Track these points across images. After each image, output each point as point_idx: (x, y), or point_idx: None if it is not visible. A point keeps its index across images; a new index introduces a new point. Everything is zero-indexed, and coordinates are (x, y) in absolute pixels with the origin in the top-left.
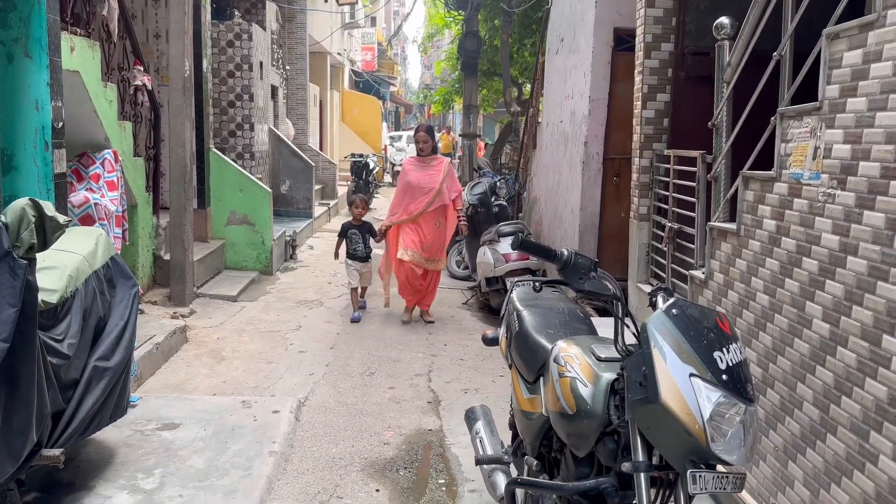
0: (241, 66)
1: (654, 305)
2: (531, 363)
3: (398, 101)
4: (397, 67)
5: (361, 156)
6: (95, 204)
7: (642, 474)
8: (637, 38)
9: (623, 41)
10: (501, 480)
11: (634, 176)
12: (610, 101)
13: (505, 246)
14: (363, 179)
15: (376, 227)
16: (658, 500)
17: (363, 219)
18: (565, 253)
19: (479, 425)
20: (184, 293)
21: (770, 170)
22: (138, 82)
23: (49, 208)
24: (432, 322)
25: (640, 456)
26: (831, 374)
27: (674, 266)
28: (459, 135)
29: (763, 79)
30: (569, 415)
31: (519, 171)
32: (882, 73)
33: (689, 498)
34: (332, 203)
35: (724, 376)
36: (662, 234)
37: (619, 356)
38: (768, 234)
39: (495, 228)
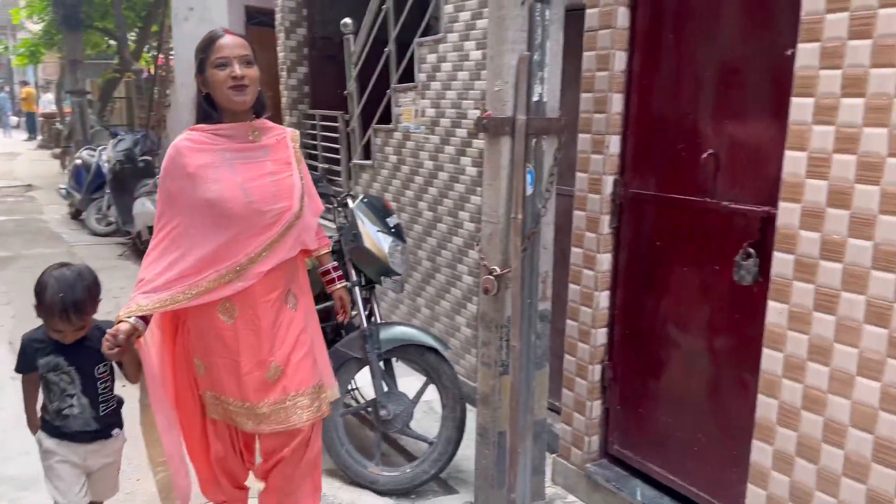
0: None
1: (345, 202)
2: None
3: None
4: None
5: None
6: None
7: (356, 287)
8: (277, 23)
9: (253, 17)
10: None
11: None
12: None
13: None
14: None
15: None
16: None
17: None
18: None
19: None
20: None
21: (390, 124)
22: None
23: None
24: None
25: (354, 277)
26: (454, 249)
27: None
28: (66, 91)
29: (379, 65)
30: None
31: (149, 129)
32: (447, 69)
33: (376, 302)
34: None
35: (392, 230)
36: (315, 172)
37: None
38: (392, 165)
39: (153, 181)
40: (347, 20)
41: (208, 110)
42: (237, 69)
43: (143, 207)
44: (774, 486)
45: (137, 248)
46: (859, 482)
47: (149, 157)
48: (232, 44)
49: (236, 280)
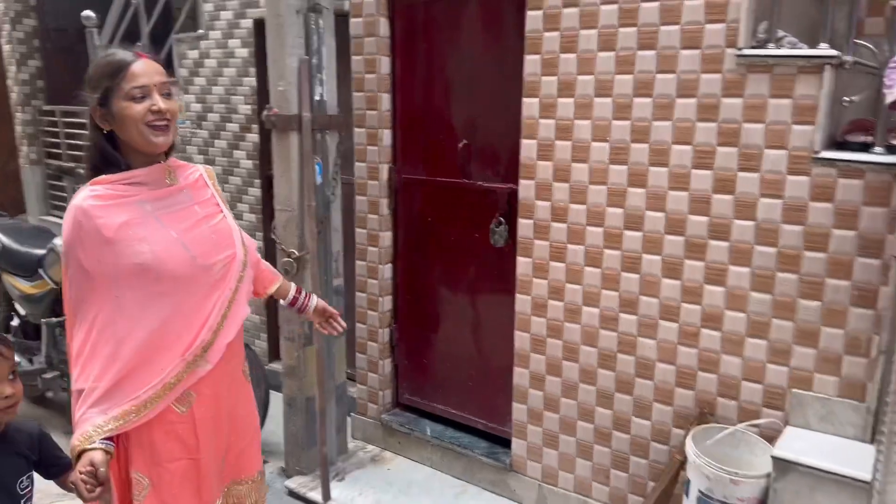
0: None
1: None
2: (29, 264)
3: None
4: None
5: None
6: None
7: None
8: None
9: None
10: None
11: (19, 128)
12: None
13: None
14: None
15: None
16: None
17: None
18: None
19: None
20: None
21: None
22: None
23: None
24: None
25: None
26: None
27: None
28: None
29: None
30: None
31: None
32: (211, 65)
33: None
34: None
35: None
36: (57, 173)
37: None
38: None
39: None
40: (90, 13)
41: (112, 155)
42: (160, 102)
43: None
44: (532, 400)
45: None
46: (590, 385)
47: None
48: (150, 70)
49: (203, 362)
